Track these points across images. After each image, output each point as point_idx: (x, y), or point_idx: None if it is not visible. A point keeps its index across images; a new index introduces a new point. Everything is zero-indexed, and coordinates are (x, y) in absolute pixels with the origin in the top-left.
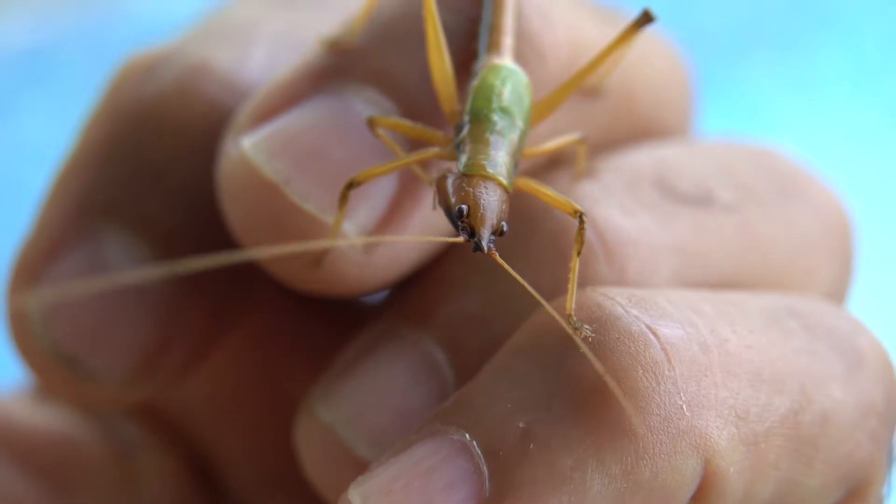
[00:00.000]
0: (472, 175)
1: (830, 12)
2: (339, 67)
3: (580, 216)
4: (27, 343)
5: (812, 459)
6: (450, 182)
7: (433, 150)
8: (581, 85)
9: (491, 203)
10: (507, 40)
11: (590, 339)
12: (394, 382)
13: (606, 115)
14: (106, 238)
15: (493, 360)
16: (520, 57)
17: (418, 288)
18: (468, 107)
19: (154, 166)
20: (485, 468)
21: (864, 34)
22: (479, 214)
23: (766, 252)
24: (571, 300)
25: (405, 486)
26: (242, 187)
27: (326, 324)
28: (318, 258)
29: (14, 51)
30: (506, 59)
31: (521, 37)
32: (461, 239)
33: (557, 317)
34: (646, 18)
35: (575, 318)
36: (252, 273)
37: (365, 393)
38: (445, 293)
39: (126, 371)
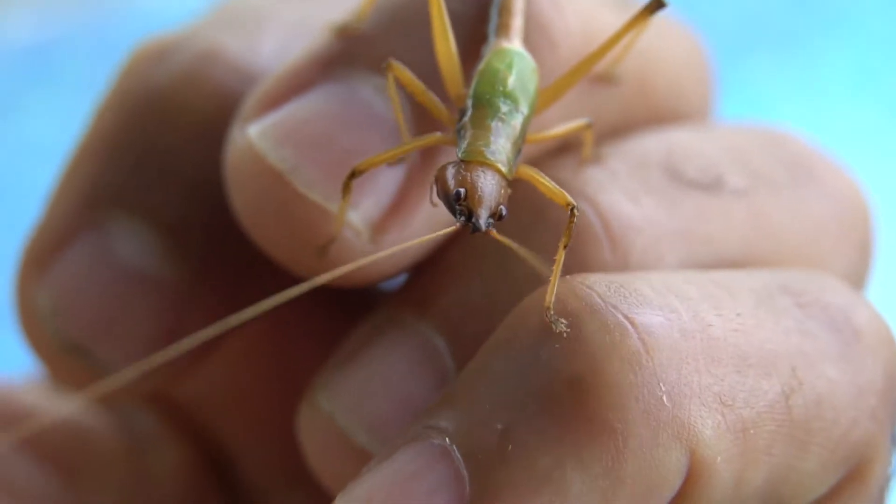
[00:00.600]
0: (470, 161)
1: (834, 12)
2: (346, 54)
3: (571, 209)
4: (36, 333)
5: (806, 443)
6: (449, 170)
7: (436, 136)
8: (594, 71)
9: (487, 186)
10: (517, 22)
11: (564, 335)
12: (394, 371)
13: (620, 102)
14: (114, 228)
15: (475, 359)
16: (530, 45)
17: (421, 276)
18: (472, 91)
19: (163, 155)
20: (465, 472)
21: (868, 33)
22: (476, 197)
23: (776, 238)
24: (551, 293)
25: (387, 497)
26: (248, 175)
27: (340, 313)
28: (324, 248)
29: (18, 48)
30: (515, 42)
31: (532, 25)
32: (458, 225)
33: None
34: (657, 4)
35: (552, 312)
36: (264, 261)
37: (365, 381)
38: (446, 281)
39: (133, 362)
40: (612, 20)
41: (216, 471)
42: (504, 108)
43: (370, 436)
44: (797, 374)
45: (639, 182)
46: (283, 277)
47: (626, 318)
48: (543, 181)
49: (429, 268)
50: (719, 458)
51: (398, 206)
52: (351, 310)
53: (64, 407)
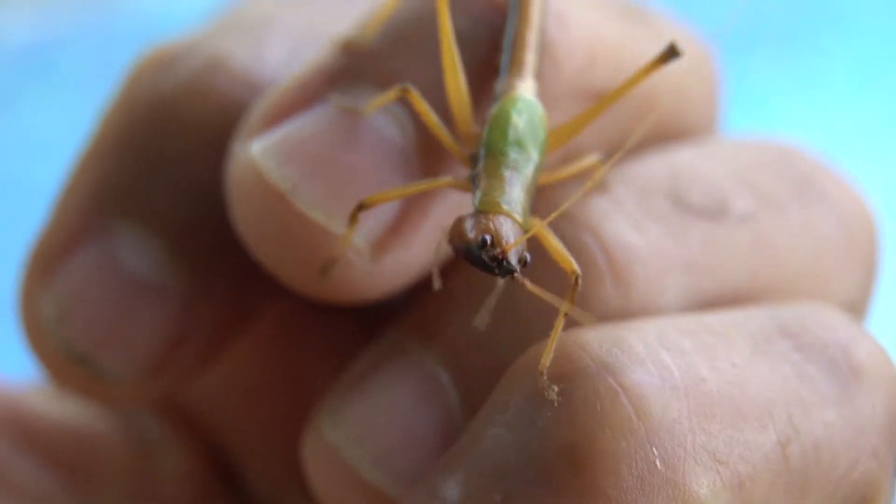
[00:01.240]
0: (488, 211)
1: (835, 8)
2: (351, 71)
3: (576, 278)
4: (40, 342)
5: (805, 489)
6: (467, 221)
7: (447, 179)
8: (595, 93)
9: (510, 232)
10: (530, 57)
11: (556, 403)
12: (398, 404)
13: (624, 122)
14: (120, 234)
15: (475, 420)
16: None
17: (427, 301)
18: (484, 139)
19: (169, 162)
20: None
21: (869, 30)
22: (503, 241)
23: (782, 262)
24: (547, 357)
25: None
26: (250, 193)
27: (347, 318)
28: (326, 267)
29: (16, 46)
30: (527, 81)
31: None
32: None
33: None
34: (671, 53)
35: (545, 378)
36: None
37: (370, 413)
38: (451, 310)
39: (141, 370)
40: (619, 35)
41: (223, 476)
42: (516, 158)
43: (375, 469)
44: (794, 422)
45: (643, 210)
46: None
47: (618, 382)
48: (552, 242)
49: (432, 294)
50: None
51: (399, 225)
52: (360, 316)
53: (70, 410)
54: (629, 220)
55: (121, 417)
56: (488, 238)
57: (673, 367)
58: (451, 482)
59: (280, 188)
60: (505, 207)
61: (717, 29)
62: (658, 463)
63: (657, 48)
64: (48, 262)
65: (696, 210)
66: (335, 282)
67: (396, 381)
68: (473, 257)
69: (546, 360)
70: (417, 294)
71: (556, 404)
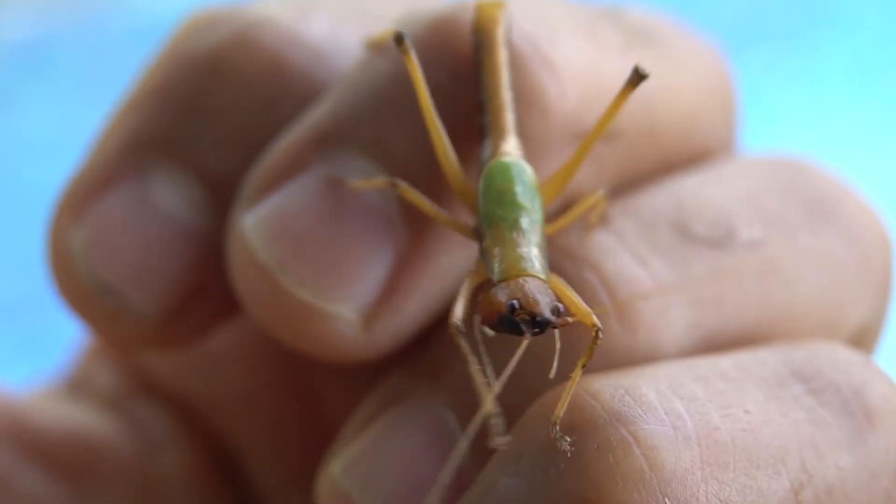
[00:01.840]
0: (510, 278)
1: (831, 7)
2: (336, 134)
3: (596, 331)
4: (66, 272)
5: None
6: (494, 294)
7: (470, 226)
8: (584, 132)
9: (537, 288)
10: (508, 116)
11: (568, 454)
12: (407, 451)
13: (624, 156)
14: (157, 174)
15: (485, 471)
16: (521, 111)
17: (431, 344)
18: (482, 211)
19: (210, 110)
20: None
21: (865, 29)
22: (531, 299)
23: (793, 290)
24: (561, 408)
25: None
26: (243, 267)
27: None
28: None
29: (13, 43)
30: (509, 140)
31: (523, 89)
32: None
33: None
34: (637, 77)
35: (558, 428)
36: None
37: (379, 459)
38: (454, 357)
39: (164, 307)
40: (617, 68)
41: (227, 475)
42: (518, 220)
43: None
44: (807, 469)
45: (647, 244)
46: None
47: (630, 433)
48: (571, 296)
49: (440, 333)
50: None
51: (390, 292)
52: None
53: (73, 416)
54: (633, 255)
55: (123, 419)
56: (516, 302)
57: (686, 416)
58: None
59: (268, 267)
60: (524, 268)
61: (715, 24)
62: None
63: (668, 71)
64: (82, 197)
65: (701, 240)
66: (329, 349)
67: (405, 425)
68: (508, 325)
69: (560, 410)
70: (423, 336)
71: (568, 455)
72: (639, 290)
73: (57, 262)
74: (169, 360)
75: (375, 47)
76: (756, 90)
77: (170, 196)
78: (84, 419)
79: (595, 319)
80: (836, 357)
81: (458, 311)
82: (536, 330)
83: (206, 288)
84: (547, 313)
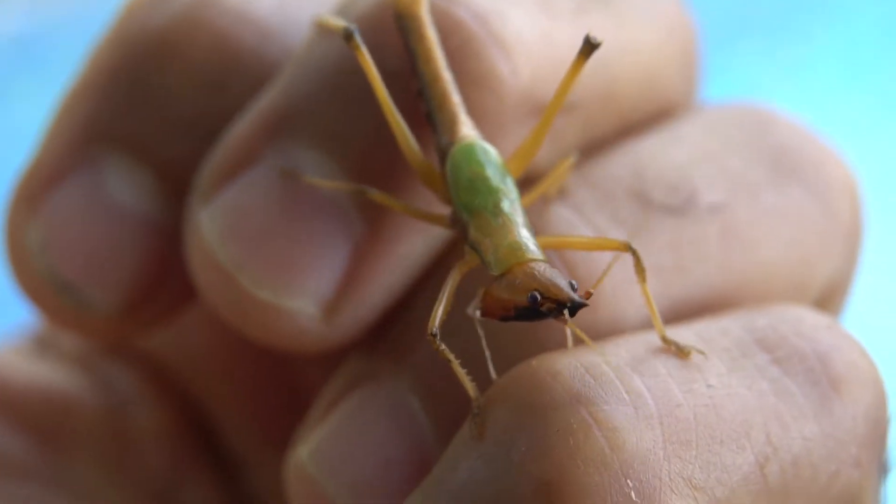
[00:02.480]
0: (512, 267)
1: (821, 1)
2: (287, 124)
3: (634, 252)
4: (26, 270)
5: None
6: (501, 288)
7: (445, 219)
8: (544, 104)
9: (549, 270)
10: (455, 99)
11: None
12: (372, 434)
13: (582, 124)
14: (109, 165)
15: (448, 452)
16: (474, 95)
17: (392, 326)
18: (460, 202)
19: (159, 96)
20: None
21: (859, 19)
22: (552, 286)
23: (757, 253)
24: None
25: None
26: (201, 266)
27: None
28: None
29: (7, 37)
30: (465, 124)
31: (473, 72)
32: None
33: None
34: (590, 47)
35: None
36: None
37: (345, 444)
38: (417, 337)
39: (124, 301)
40: (571, 36)
41: (199, 432)
42: (499, 204)
43: (355, 499)
44: (772, 441)
45: (606, 214)
46: None
47: (590, 414)
48: (578, 239)
49: (403, 316)
50: None
51: (349, 284)
52: None
53: (40, 372)
54: (592, 228)
55: (93, 376)
56: (537, 294)
57: (647, 394)
58: None
59: (226, 268)
60: (524, 256)
61: (708, 13)
62: (633, 495)
63: (623, 31)
64: (35, 191)
65: (662, 208)
66: (291, 342)
67: (369, 410)
68: (529, 315)
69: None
70: (386, 323)
71: (530, 436)
72: (598, 266)
73: (14, 259)
74: None
75: (324, 29)
76: (749, 81)
77: (123, 187)
78: (53, 376)
79: (620, 241)
80: (802, 322)
81: (438, 316)
82: (569, 314)
83: (165, 277)
84: (576, 297)
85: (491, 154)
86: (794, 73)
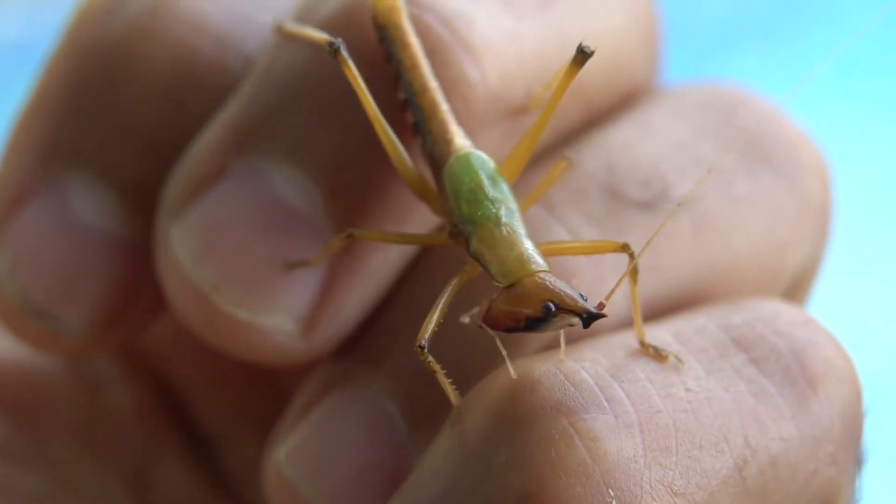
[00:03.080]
0: (522, 279)
1: (819, 5)
2: (254, 135)
3: (630, 253)
4: None
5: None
6: (511, 298)
7: (442, 237)
8: (513, 107)
9: (559, 282)
10: (445, 107)
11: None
12: (350, 439)
13: (551, 120)
14: (72, 185)
15: (428, 458)
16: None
17: (371, 330)
18: (461, 215)
19: (118, 111)
20: None
21: (853, 27)
22: (568, 297)
23: (730, 244)
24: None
25: None
26: (174, 287)
27: None
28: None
29: (7, 44)
30: (457, 133)
31: (444, 77)
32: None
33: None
34: (583, 56)
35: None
36: None
37: (323, 448)
38: (393, 341)
39: (97, 321)
40: (538, 33)
41: (173, 412)
42: (500, 215)
43: (333, 501)
44: (750, 443)
45: (579, 212)
46: None
47: (571, 424)
48: (577, 245)
49: (378, 320)
50: None
51: (325, 298)
52: None
53: (16, 351)
54: (565, 227)
55: (68, 357)
56: (551, 305)
57: (627, 402)
58: None
59: (201, 288)
60: (531, 268)
61: (703, 22)
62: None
63: (587, 19)
64: (0, 213)
65: (634, 203)
66: (269, 357)
67: (346, 414)
68: (543, 326)
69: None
70: (362, 327)
71: (511, 447)
72: (574, 264)
73: None
74: None
75: (294, 38)
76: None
77: (88, 207)
78: (29, 356)
79: (618, 242)
80: (778, 319)
81: (430, 328)
82: (585, 325)
83: (136, 294)
84: (591, 308)
85: (488, 163)
86: (788, 81)
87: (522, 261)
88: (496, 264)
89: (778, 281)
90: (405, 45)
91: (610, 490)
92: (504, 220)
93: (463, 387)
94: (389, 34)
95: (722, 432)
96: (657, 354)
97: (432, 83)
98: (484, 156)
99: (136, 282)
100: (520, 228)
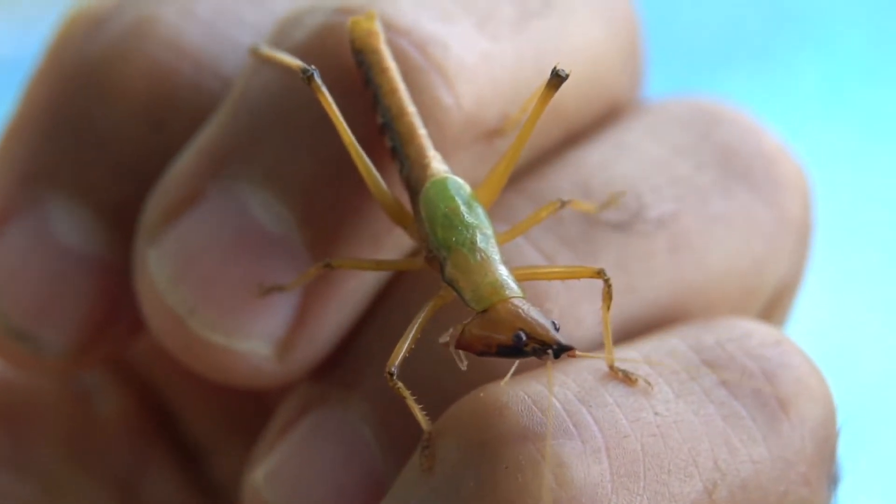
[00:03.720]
0: (495, 304)
1: (808, 27)
2: (230, 160)
3: (606, 279)
4: None
5: None
6: (483, 324)
7: (418, 262)
8: (487, 129)
9: (534, 311)
10: (422, 132)
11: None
12: (325, 462)
13: (528, 141)
14: (52, 207)
15: (399, 484)
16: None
17: (347, 353)
18: (436, 240)
19: (98, 133)
20: None
21: (841, 49)
22: (539, 327)
23: (706, 263)
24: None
25: None
26: (152, 310)
27: None
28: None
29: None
30: (435, 158)
31: (419, 103)
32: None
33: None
34: (558, 80)
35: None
36: None
37: (299, 471)
38: (368, 367)
39: (78, 343)
40: (513, 53)
41: (161, 421)
42: (475, 240)
43: None
44: (720, 467)
45: (553, 236)
46: None
47: (538, 450)
48: (554, 269)
49: (354, 342)
50: None
51: (301, 322)
52: None
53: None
54: (540, 252)
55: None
56: (522, 334)
57: (594, 427)
58: None
59: (177, 312)
60: (505, 295)
61: (692, 44)
62: None
63: (565, 36)
64: None
65: (609, 225)
66: (245, 381)
67: (323, 438)
68: (514, 354)
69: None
70: (338, 349)
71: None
72: (546, 288)
73: None
74: None
75: (269, 62)
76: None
77: (67, 228)
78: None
79: (594, 267)
80: (750, 339)
81: (401, 354)
82: (554, 355)
83: (116, 315)
84: (562, 340)
85: (464, 189)
86: (777, 102)
87: (496, 287)
88: (470, 290)
89: (756, 298)
90: (383, 70)
91: None
92: (479, 245)
93: (440, 407)
94: (367, 58)
95: (691, 456)
96: (627, 378)
97: (410, 108)
98: (460, 181)
99: (115, 302)
100: (494, 254)
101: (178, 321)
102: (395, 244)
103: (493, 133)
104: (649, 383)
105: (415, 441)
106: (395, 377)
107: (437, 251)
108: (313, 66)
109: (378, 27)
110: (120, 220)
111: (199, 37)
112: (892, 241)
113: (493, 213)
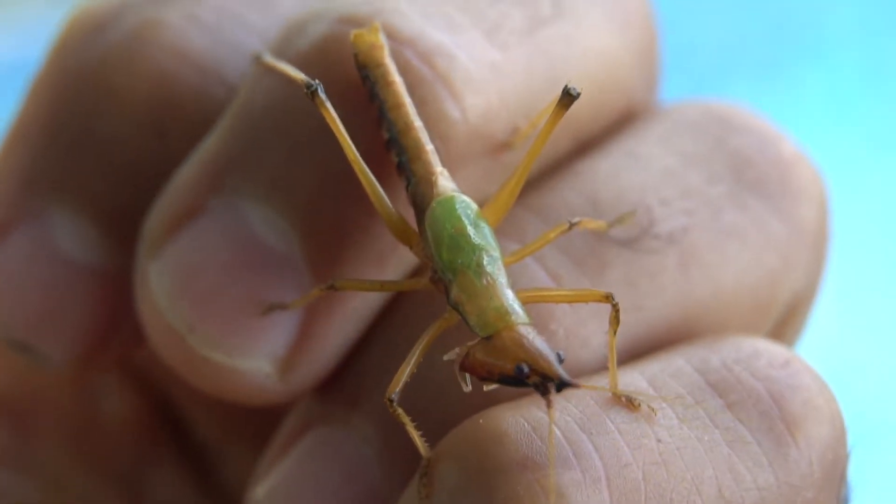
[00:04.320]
0: (500, 331)
1: (812, 40)
2: (231, 173)
3: (614, 304)
4: None
5: None
6: (484, 352)
7: (423, 281)
8: (496, 142)
9: (538, 342)
10: (429, 148)
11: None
12: (325, 479)
13: (530, 163)
14: (53, 216)
15: None
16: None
17: (349, 371)
18: (442, 262)
19: (100, 141)
20: None
21: (846, 61)
22: (542, 360)
23: (717, 279)
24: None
25: None
26: (152, 326)
27: None
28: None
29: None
30: (442, 175)
31: (425, 116)
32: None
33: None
34: (569, 98)
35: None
36: None
37: (301, 490)
38: (371, 386)
39: (79, 354)
40: (524, 63)
41: (166, 421)
42: (481, 262)
43: None
44: (724, 494)
45: (560, 252)
46: None
47: (537, 480)
48: (561, 292)
49: (356, 361)
50: None
51: (303, 340)
52: None
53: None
54: (546, 270)
55: None
56: (524, 367)
57: (595, 456)
58: None
59: (177, 330)
60: (511, 318)
61: (697, 56)
62: None
63: (577, 44)
64: None
65: (618, 241)
66: (246, 398)
67: (324, 458)
68: (516, 384)
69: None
70: (341, 367)
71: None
72: (549, 310)
73: None
74: None
75: (275, 74)
76: None
77: (68, 237)
78: (22, 361)
79: (602, 291)
80: (757, 359)
81: (402, 380)
82: (556, 389)
83: (117, 325)
84: (565, 375)
85: (471, 208)
86: (781, 114)
87: (501, 313)
88: (475, 314)
89: (769, 313)
90: (388, 84)
91: None
92: (485, 268)
93: (442, 429)
94: (371, 73)
95: (694, 484)
96: (629, 403)
97: (417, 122)
98: (467, 199)
99: (117, 313)
100: (501, 277)
101: (177, 338)
102: (400, 261)
103: (502, 147)
104: (653, 408)
105: (417, 462)
106: (394, 403)
107: (443, 273)
108: (317, 81)
109: (382, 39)
110: (122, 230)
111: (203, 42)
112: None
113: (499, 228)
